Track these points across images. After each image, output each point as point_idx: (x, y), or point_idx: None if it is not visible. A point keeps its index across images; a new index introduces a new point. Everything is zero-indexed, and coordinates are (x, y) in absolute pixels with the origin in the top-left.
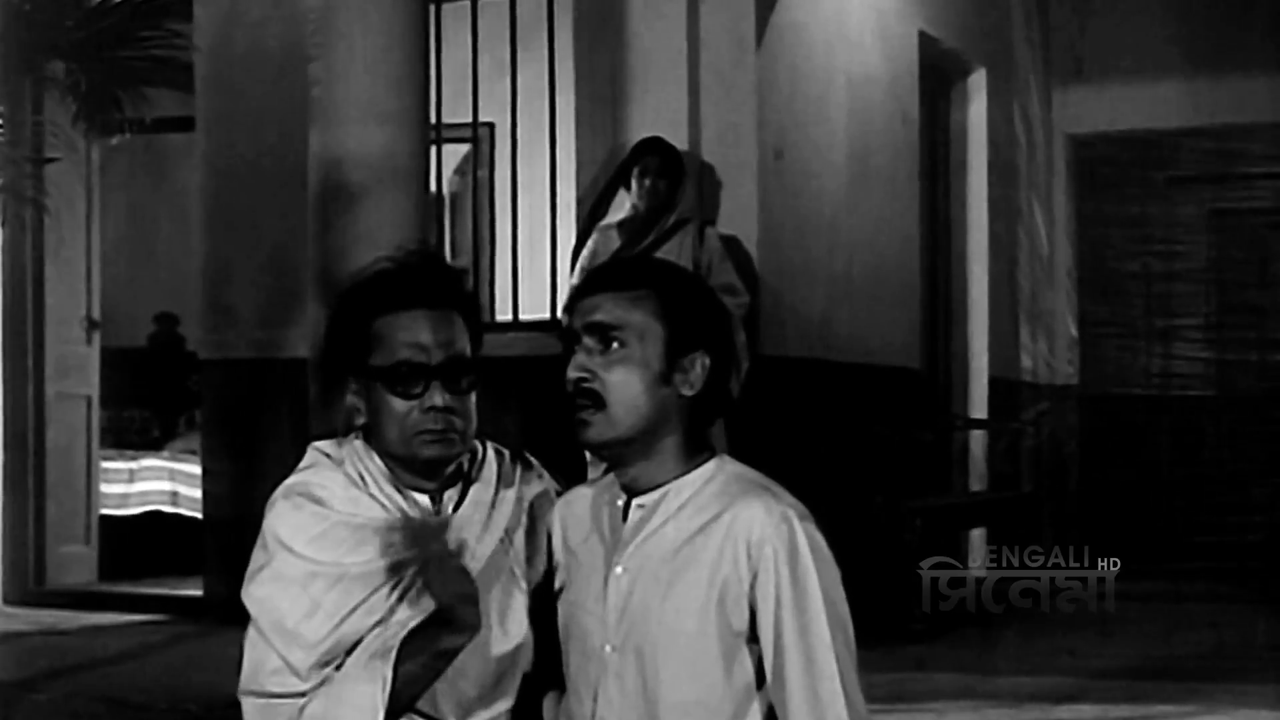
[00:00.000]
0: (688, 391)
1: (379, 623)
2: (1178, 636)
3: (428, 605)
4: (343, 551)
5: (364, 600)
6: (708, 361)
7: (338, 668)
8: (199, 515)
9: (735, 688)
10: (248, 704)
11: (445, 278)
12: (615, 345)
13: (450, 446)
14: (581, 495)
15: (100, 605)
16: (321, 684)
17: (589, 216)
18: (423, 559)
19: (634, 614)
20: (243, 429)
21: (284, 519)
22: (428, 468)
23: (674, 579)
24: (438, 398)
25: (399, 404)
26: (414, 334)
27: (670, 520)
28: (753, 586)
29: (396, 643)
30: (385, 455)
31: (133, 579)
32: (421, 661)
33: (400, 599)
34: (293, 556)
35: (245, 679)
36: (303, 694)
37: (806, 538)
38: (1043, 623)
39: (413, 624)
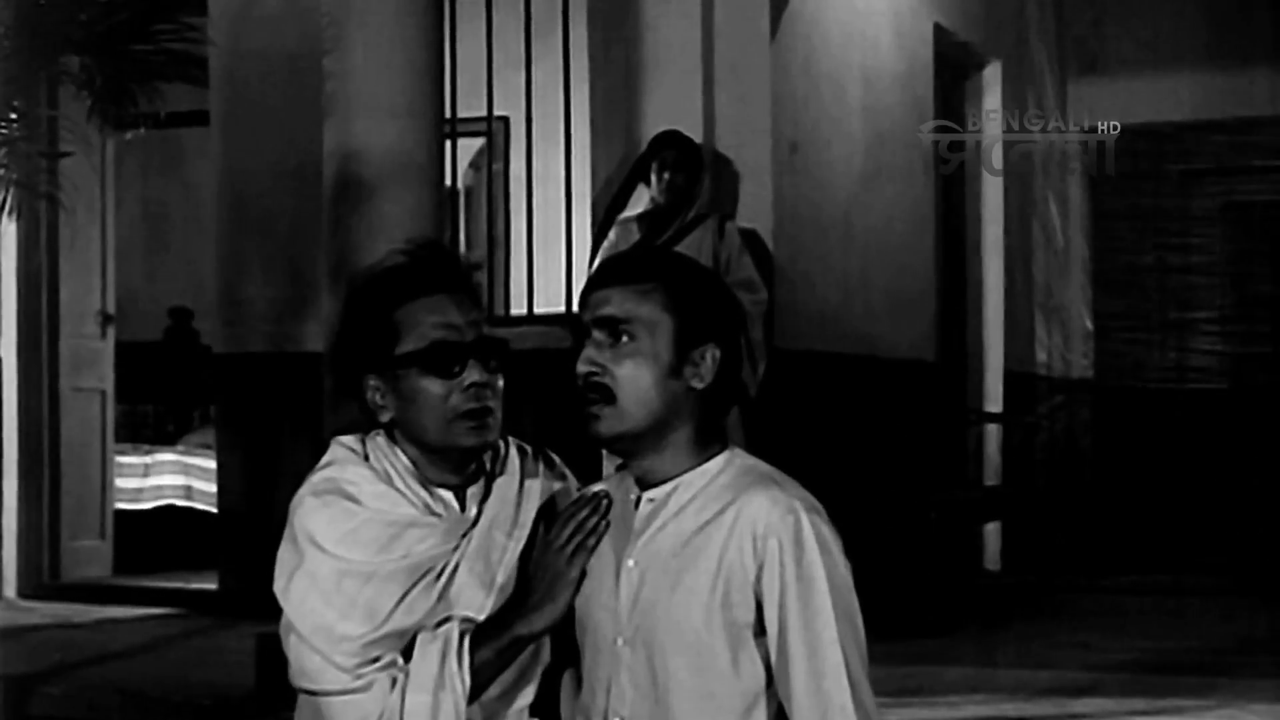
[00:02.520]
0: (698, 384)
1: (420, 620)
2: (1193, 630)
3: (467, 601)
4: (373, 550)
5: (402, 598)
6: (718, 354)
7: (390, 664)
8: (213, 510)
9: (744, 681)
10: (301, 699)
11: (459, 265)
12: (625, 338)
13: (487, 433)
14: (600, 489)
15: (114, 599)
16: (371, 686)
17: (608, 210)
18: (544, 542)
19: (644, 607)
20: (257, 423)
21: (314, 516)
22: (462, 457)
23: (682, 572)
24: (475, 374)
25: (436, 387)
26: (445, 315)
27: (680, 513)
28: (758, 579)
29: (466, 643)
30: (416, 448)
31: (147, 573)
32: (496, 648)
33: (440, 596)
34: (323, 555)
35: (294, 676)
36: (351, 690)
37: (813, 530)
38: (1057, 616)
39: (467, 619)
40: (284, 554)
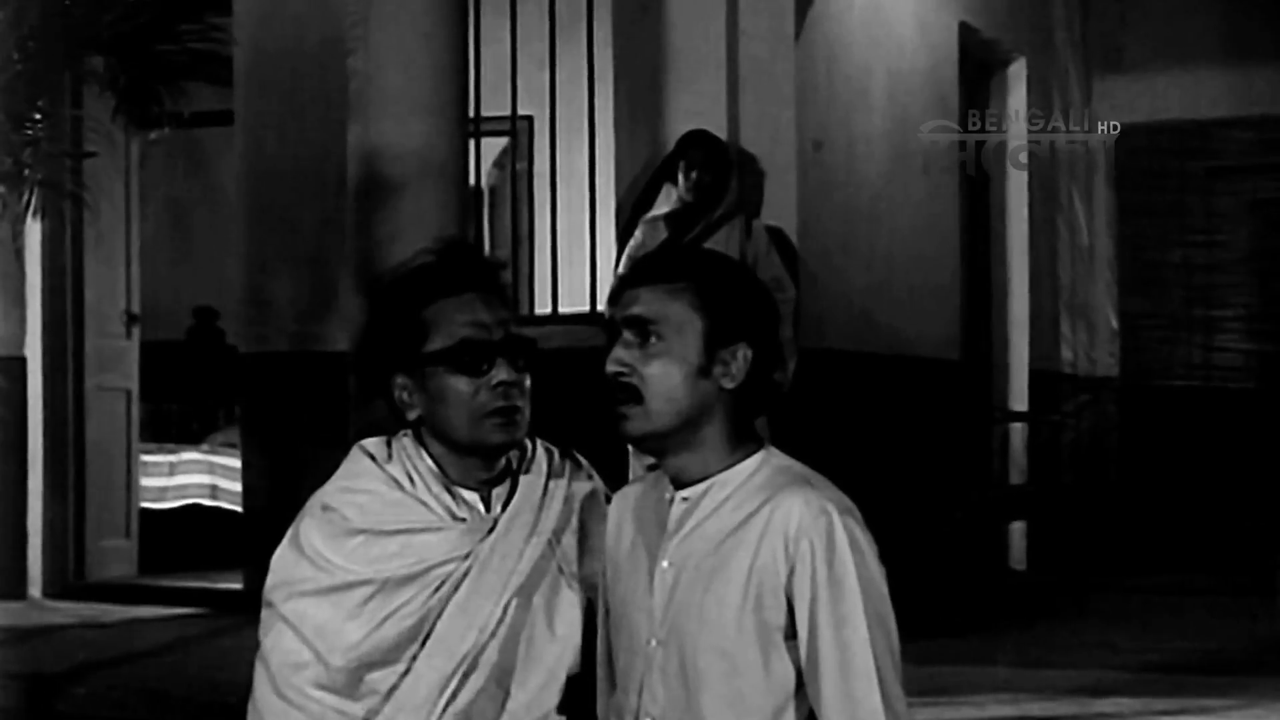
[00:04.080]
0: (729, 384)
1: (413, 626)
2: (1220, 629)
3: (475, 606)
4: (382, 560)
5: (404, 604)
6: (749, 353)
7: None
8: (238, 509)
9: (775, 684)
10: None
11: (487, 264)
12: (653, 339)
13: (515, 430)
14: (636, 489)
15: (140, 599)
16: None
17: (634, 209)
18: None
19: (677, 608)
20: (282, 422)
21: (321, 531)
22: (489, 455)
23: (714, 573)
24: (503, 372)
25: (464, 385)
26: (474, 314)
27: (713, 514)
28: (790, 581)
29: None
30: (443, 446)
31: (172, 572)
32: None
33: (448, 597)
34: (333, 568)
35: (274, 676)
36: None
37: (846, 532)
38: (1083, 615)
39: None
40: (289, 557)
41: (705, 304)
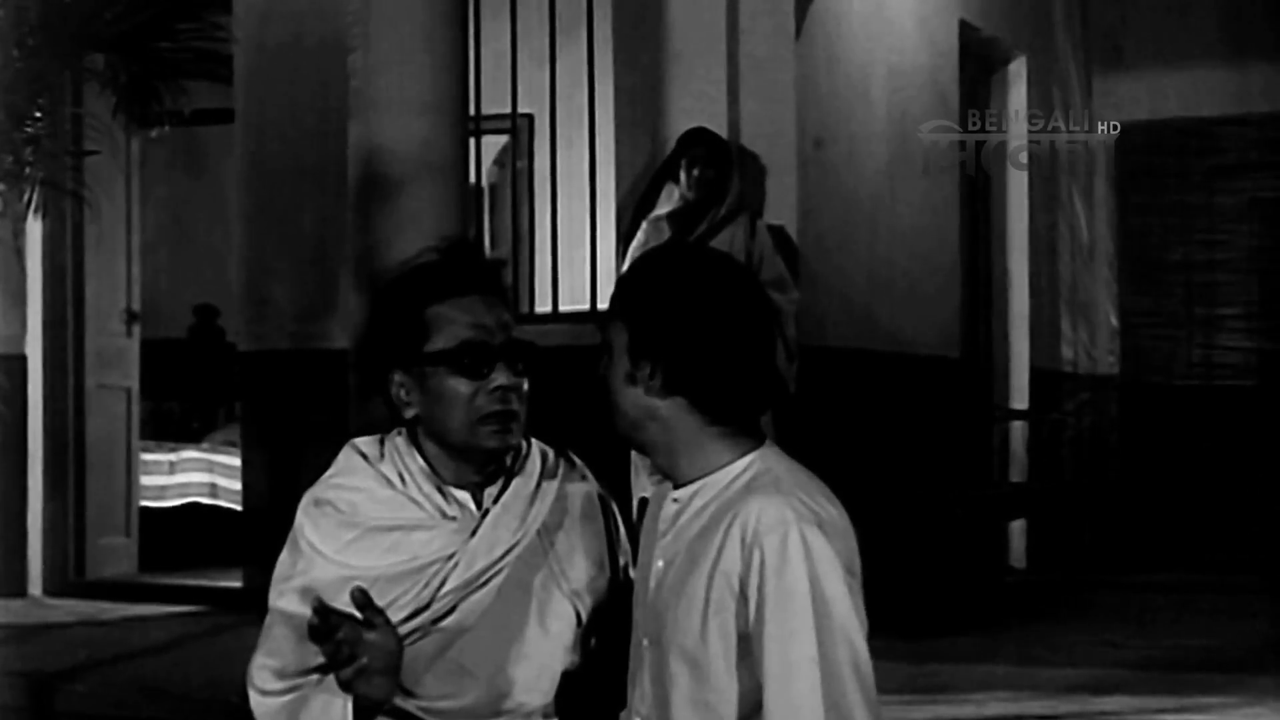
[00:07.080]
0: (652, 394)
1: (401, 622)
2: (1220, 628)
3: (473, 605)
4: (376, 555)
5: (394, 600)
6: (660, 370)
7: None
8: (238, 507)
9: (741, 692)
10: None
11: (490, 267)
12: (608, 350)
13: (510, 436)
14: (662, 487)
15: (140, 597)
16: (295, 690)
17: (636, 209)
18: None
19: (659, 608)
20: (282, 421)
21: (316, 526)
22: (483, 458)
23: (687, 575)
24: (503, 377)
25: (464, 387)
26: (476, 316)
27: (697, 516)
28: (743, 589)
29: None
30: (437, 446)
31: (172, 570)
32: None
33: (436, 590)
34: (327, 562)
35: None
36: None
37: (802, 542)
38: (1083, 613)
39: None
40: (284, 556)
41: (628, 317)
